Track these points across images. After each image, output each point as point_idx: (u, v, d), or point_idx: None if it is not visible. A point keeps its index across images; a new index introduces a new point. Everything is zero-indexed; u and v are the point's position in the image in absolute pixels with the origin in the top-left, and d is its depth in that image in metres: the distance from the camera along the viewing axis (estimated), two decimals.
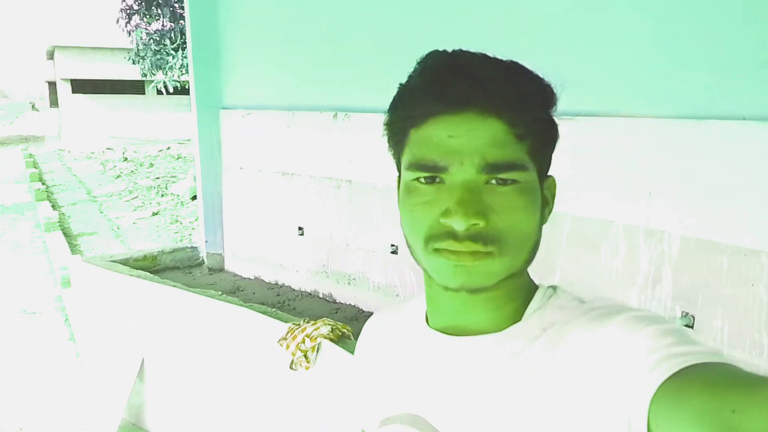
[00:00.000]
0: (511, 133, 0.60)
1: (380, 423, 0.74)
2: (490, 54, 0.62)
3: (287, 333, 2.54)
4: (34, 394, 3.91)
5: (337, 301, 3.48)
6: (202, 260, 4.24)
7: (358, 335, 0.84)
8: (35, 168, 15.15)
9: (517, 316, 0.67)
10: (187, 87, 4.39)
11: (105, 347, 3.69)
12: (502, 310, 0.67)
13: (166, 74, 13.68)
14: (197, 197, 4.37)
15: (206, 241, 4.20)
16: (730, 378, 0.50)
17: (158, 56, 13.44)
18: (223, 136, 4.10)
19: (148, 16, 13.43)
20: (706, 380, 0.50)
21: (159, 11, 13.25)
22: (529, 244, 0.64)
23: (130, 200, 11.34)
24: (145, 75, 14.34)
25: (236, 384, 2.86)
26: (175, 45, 13.05)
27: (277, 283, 3.82)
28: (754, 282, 1.96)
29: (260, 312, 2.76)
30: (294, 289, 3.71)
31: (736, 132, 1.96)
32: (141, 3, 13.30)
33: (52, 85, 28.90)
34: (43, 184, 12.73)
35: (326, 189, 3.43)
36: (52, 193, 12.08)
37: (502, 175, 0.60)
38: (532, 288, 0.70)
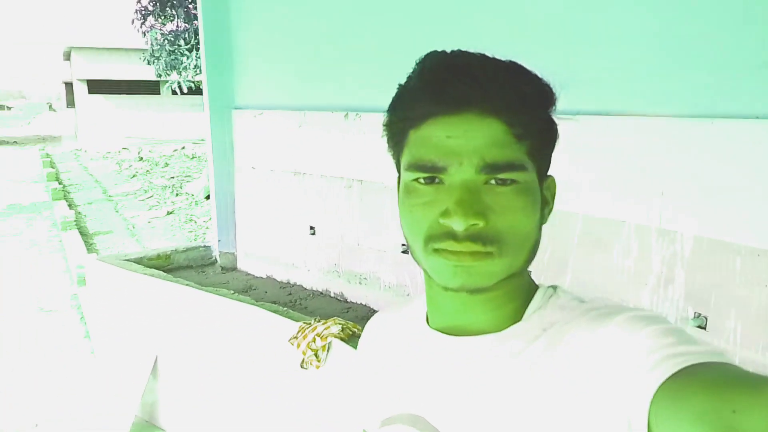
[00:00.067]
0: (510, 134, 0.60)
1: (381, 423, 0.74)
2: (491, 54, 0.63)
3: (298, 332, 2.56)
4: (50, 391, 3.96)
5: (348, 300, 3.49)
6: (215, 259, 4.27)
7: None
8: (52, 167, 15.34)
9: (517, 316, 0.67)
10: (201, 87, 4.42)
11: (119, 345, 3.73)
12: (502, 310, 0.67)
13: (181, 74, 13.79)
14: (210, 197, 4.40)
15: (219, 241, 4.22)
16: (730, 378, 0.50)
17: (173, 57, 13.54)
18: (236, 136, 4.12)
19: (162, 17, 13.54)
20: (707, 380, 0.50)
21: (173, 12, 13.35)
22: (529, 244, 0.64)
23: (146, 199, 11.44)
24: (160, 75, 14.45)
25: (248, 382, 2.88)
26: (189, 45, 13.14)
27: (288, 282, 3.84)
28: (767, 283, 1.94)
29: (272, 311, 2.77)
30: (305, 288, 3.73)
31: (750, 131, 1.94)
32: (156, 4, 13.41)
33: (69, 85, 29.22)
34: (59, 183, 12.89)
35: (337, 189, 3.44)
36: (68, 193, 12.22)
37: (502, 176, 0.60)
38: (532, 288, 0.70)
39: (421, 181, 0.62)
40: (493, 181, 0.60)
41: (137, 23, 13.73)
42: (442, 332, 0.69)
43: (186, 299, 3.17)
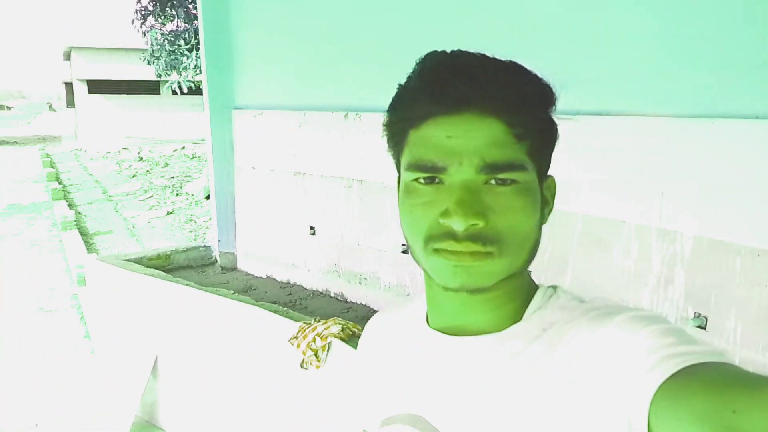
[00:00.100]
0: (510, 134, 0.60)
1: (381, 423, 0.74)
2: (492, 54, 0.63)
3: (298, 332, 2.56)
4: (50, 391, 3.96)
5: (348, 300, 3.49)
6: (215, 259, 4.27)
7: None
8: (52, 167, 15.35)
9: (517, 316, 0.67)
10: (201, 87, 4.42)
11: (119, 345, 3.73)
12: (502, 310, 0.67)
13: (181, 74, 13.79)
14: (210, 197, 4.41)
15: (219, 241, 4.23)
16: (730, 378, 0.50)
17: (173, 57, 13.54)
18: (236, 136, 4.12)
19: (162, 17, 13.54)
20: (707, 380, 0.50)
21: (173, 12, 13.35)
22: (529, 244, 0.64)
23: (146, 199, 11.45)
24: (160, 75, 14.46)
25: (248, 382, 2.88)
26: (189, 45, 13.14)
27: (288, 282, 3.84)
28: (767, 283, 1.94)
29: (272, 311, 2.77)
30: (305, 288, 3.73)
31: (750, 131, 1.94)
32: (156, 4, 13.42)
33: (69, 85, 29.22)
34: (59, 183, 12.89)
35: (337, 189, 3.44)
36: (68, 193, 12.23)
37: (501, 176, 0.60)
38: (532, 288, 0.70)
39: (421, 181, 0.62)
40: (493, 181, 0.60)
41: (137, 23, 13.74)
42: (442, 332, 0.69)
43: (186, 299, 3.17)
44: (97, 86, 24.67)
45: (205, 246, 4.34)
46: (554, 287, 0.70)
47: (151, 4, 13.48)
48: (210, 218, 6.50)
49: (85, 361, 4.42)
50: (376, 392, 0.77)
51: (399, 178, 0.68)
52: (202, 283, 3.37)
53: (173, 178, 13.63)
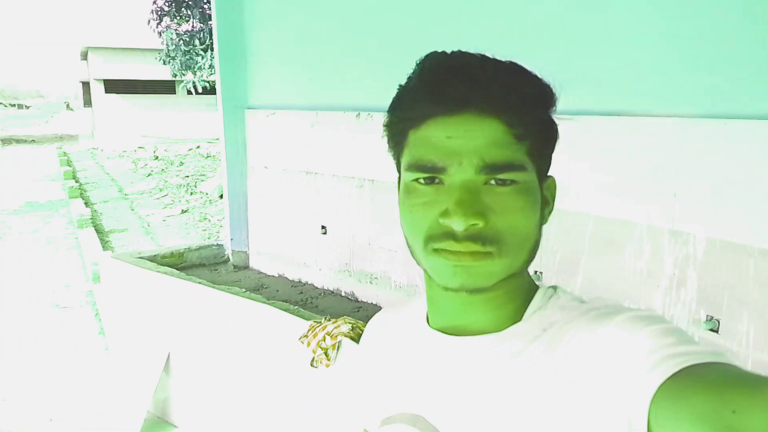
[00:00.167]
0: (509, 134, 0.60)
1: (381, 422, 0.74)
2: (495, 54, 0.63)
3: (308, 330, 2.57)
4: (65, 386, 4.01)
5: (359, 299, 3.49)
6: (228, 258, 4.30)
7: None
8: (69, 166, 15.52)
9: (517, 316, 0.67)
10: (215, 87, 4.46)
11: (133, 341, 3.77)
12: (502, 310, 0.67)
13: (196, 74, 13.89)
14: (223, 195, 4.44)
15: (232, 239, 4.25)
16: (730, 378, 0.50)
17: (188, 56, 13.65)
18: (249, 136, 4.15)
19: (178, 17, 13.65)
20: (707, 380, 0.50)
21: (189, 12, 13.45)
22: (529, 245, 0.64)
23: (161, 198, 11.54)
24: (176, 75, 14.58)
25: (258, 379, 2.90)
26: (204, 45, 13.24)
27: (300, 281, 3.86)
28: None
29: (283, 309, 2.79)
30: (317, 287, 3.74)
31: (764, 132, 1.92)
32: (171, 4, 13.53)
33: (86, 85, 29.54)
34: (76, 181, 13.03)
35: (349, 188, 3.46)
36: (85, 191, 12.36)
37: (501, 176, 0.60)
38: (532, 288, 0.70)
39: (421, 181, 0.62)
40: (492, 182, 0.60)
41: (153, 23, 13.87)
42: (443, 332, 0.70)
43: (198, 297, 3.19)
44: (113, 86, 24.93)
45: (217, 244, 4.37)
46: (554, 287, 0.70)
47: (167, 4, 13.60)
48: (223, 217, 6.56)
49: (99, 358, 4.47)
50: (377, 392, 0.77)
51: (399, 178, 0.68)
52: (214, 281, 3.40)
53: (188, 176, 13.74)
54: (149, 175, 14.51)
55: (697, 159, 2.09)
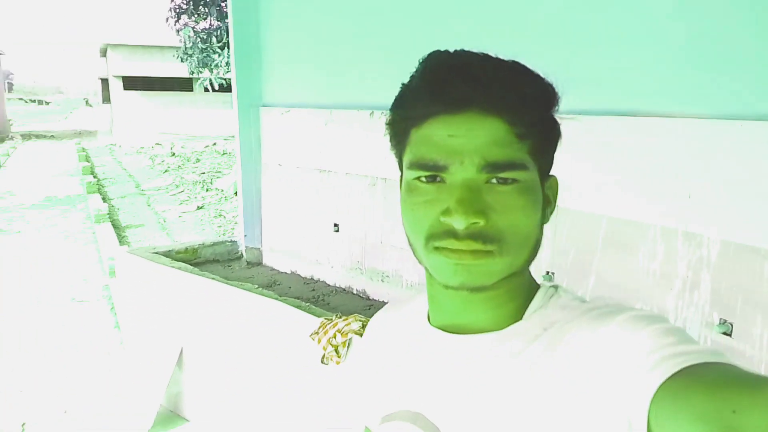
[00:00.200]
0: (511, 133, 0.60)
1: (381, 419, 0.75)
2: (501, 54, 0.63)
3: (319, 327, 2.58)
4: (80, 379, 4.07)
5: (370, 297, 3.50)
6: (241, 254, 4.33)
7: None
8: (87, 161, 15.70)
9: (517, 315, 0.67)
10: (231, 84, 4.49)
11: (147, 336, 3.82)
12: (503, 309, 0.67)
13: (212, 72, 13.99)
14: (237, 192, 4.47)
15: (245, 236, 4.28)
16: (730, 378, 0.50)
17: (205, 54, 13.75)
18: (263, 133, 4.17)
19: (196, 15, 13.75)
20: (707, 380, 0.50)
21: (206, 10, 13.55)
22: (530, 244, 0.64)
23: (177, 194, 11.64)
24: (193, 72, 14.68)
25: (269, 375, 2.92)
26: (221, 43, 13.32)
27: (312, 278, 3.88)
28: None
29: (294, 306, 2.80)
30: (329, 285, 3.76)
31: None
32: (189, 2, 13.63)
33: (105, 81, 29.89)
34: (94, 177, 13.19)
35: (362, 186, 3.46)
36: (102, 186, 12.50)
37: (503, 175, 0.60)
38: (533, 287, 0.70)
39: (423, 179, 0.63)
40: (494, 180, 0.61)
41: (171, 21, 13.98)
42: (443, 330, 0.70)
43: (211, 292, 3.22)
44: (132, 83, 25.21)
45: (231, 241, 4.40)
46: (555, 287, 0.70)
47: (185, 2, 13.70)
48: (238, 214, 6.60)
49: (114, 351, 4.53)
50: (378, 389, 0.78)
51: (401, 176, 0.68)
52: (227, 277, 3.43)
53: (204, 173, 13.84)
54: (166, 171, 14.64)
55: (713, 160, 2.07)
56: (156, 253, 3.94)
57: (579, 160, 2.37)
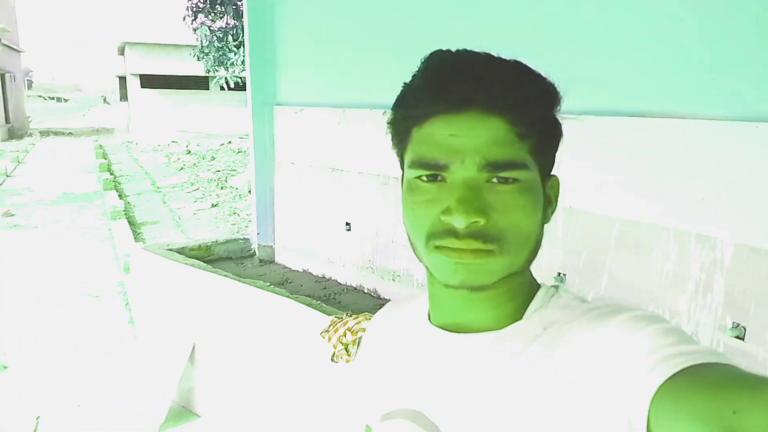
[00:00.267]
0: (512, 132, 0.60)
1: (382, 417, 0.75)
2: (504, 54, 0.63)
3: (330, 326, 2.59)
4: (94, 374, 4.12)
5: (381, 296, 3.51)
6: (254, 252, 4.36)
7: None
8: (104, 159, 15.86)
9: (518, 315, 0.67)
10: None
11: (160, 332, 3.85)
12: (503, 308, 0.67)
13: (228, 70, 14.07)
14: (251, 190, 4.50)
15: (258, 234, 4.31)
16: (731, 378, 0.50)
17: (221, 53, 13.83)
18: (277, 132, 4.19)
19: (212, 14, 13.84)
20: (707, 380, 0.50)
21: (223, 9, 13.63)
22: (531, 243, 0.64)
23: (192, 192, 11.72)
24: (209, 71, 14.78)
25: (280, 372, 2.94)
26: (237, 42, 13.39)
27: (324, 277, 3.89)
28: None
29: (305, 304, 2.81)
30: (340, 283, 3.77)
31: None
32: (206, 1, 13.72)
33: (123, 79, 30.18)
34: (111, 174, 13.32)
35: (374, 186, 3.47)
36: (119, 183, 12.62)
37: (503, 174, 0.60)
38: (534, 287, 0.70)
39: (424, 178, 0.63)
40: (495, 180, 0.61)
41: (188, 20, 14.08)
42: (444, 329, 0.70)
43: (224, 289, 3.25)
44: (149, 81, 25.43)
45: (244, 238, 4.43)
46: (556, 287, 0.70)
47: (202, 1, 13.79)
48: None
49: (128, 347, 4.58)
50: (378, 387, 0.78)
51: (402, 175, 0.69)
52: (240, 275, 3.45)
53: (219, 171, 13.92)
54: (181, 169, 14.74)
55: (726, 163, 2.05)
56: (170, 250, 3.97)
57: (591, 161, 2.36)
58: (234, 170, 13.85)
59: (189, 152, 17.97)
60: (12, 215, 9.41)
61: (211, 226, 8.89)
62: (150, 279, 3.95)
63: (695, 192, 2.13)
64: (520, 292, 0.68)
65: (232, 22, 13.63)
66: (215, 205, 10.32)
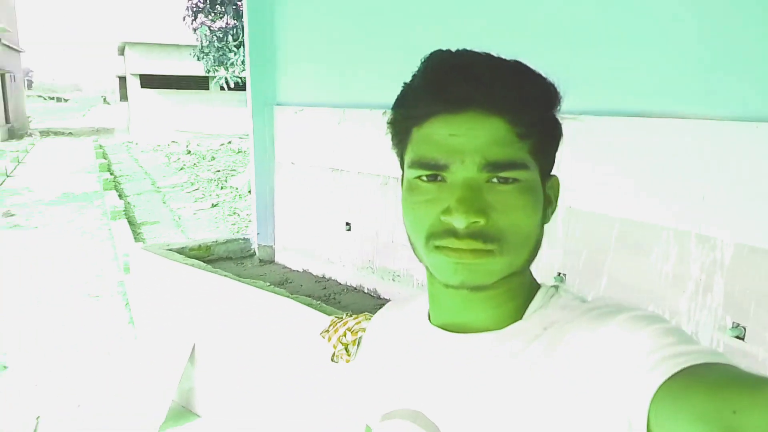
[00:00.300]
0: (512, 132, 0.60)
1: (382, 417, 0.75)
2: (504, 54, 0.63)
3: (330, 326, 2.59)
4: (94, 374, 4.12)
5: (381, 296, 3.51)
6: (254, 252, 4.36)
7: None
8: (104, 159, 15.85)
9: (517, 315, 0.67)
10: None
11: (160, 332, 3.85)
12: (503, 308, 0.67)
13: (228, 70, 14.07)
14: (251, 190, 4.50)
15: (258, 234, 4.31)
16: (731, 378, 0.50)
17: (221, 53, 13.83)
18: (277, 132, 4.19)
19: (212, 14, 13.83)
20: (707, 380, 0.50)
21: (223, 9, 13.63)
22: (530, 243, 0.64)
23: (192, 192, 11.71)
24: (209, 71, 14.78)
25: (280, 372, 2.94)
26: (237, 42, 13.39)
27: (324, 277, 3.89)
28: None
29: (305, 304, 2.81)
30: (340, 283, 3.77)
31: None
32: (206, 1, 13.71)
33: (123, 79, 30.17)
34: (111, 174, 13.32)
35: (374, 186, 3.47)
36: (119, 183, 12.62)
37: (503, 174, 0.60)
38: (534, 287, 0.70)
39: (424, 178, 0.63)
40: (495, 180, 0.61)
41: (188, 20, 14.07)
42: (444, 329, 0.70)
43: (224, 289, 3.25)
44: (149, 81, 25.42)
45: (244, 238, 4.43)
46: (556, 287, 0.70)
47: (202, 1, 13.79)
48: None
49: (128, 347, 4.57)
50: (378, 387, 0.78)
51: (402, 175, 0.69)
52: (240, 275, 3.45)
53: (219, 171, 13.92)
54: (181, 169, 14.74)
55: (727, 163, 2.05)
56: (170, 249, 3.97)
57: (592, 161, 2.36)
58: (234, 170, 13.85)
59: (189, 152, 17.97)
60: (12, 215, 9.41)
61: (211, 226, 8.89)
62: (150, 279, 3.95)
63: (695, 192, 2.13)
64: (520, 292, 0.68)
65: (232, 22, 13.63)
66: (215, 205, 10.32)
